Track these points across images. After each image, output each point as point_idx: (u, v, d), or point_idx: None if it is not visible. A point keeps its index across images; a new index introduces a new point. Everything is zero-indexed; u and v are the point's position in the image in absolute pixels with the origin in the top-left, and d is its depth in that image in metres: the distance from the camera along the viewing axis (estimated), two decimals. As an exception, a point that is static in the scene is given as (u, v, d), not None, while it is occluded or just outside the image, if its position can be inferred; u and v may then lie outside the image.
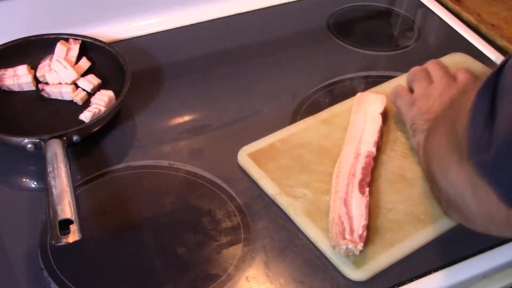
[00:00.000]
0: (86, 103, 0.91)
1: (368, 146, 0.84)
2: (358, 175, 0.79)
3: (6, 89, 0.92)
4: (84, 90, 0.93)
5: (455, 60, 1.04)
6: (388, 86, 0.98)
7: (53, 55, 0.96)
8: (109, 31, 1.06)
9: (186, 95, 0.98)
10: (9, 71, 0.93)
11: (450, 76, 0.85)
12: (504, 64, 0.46)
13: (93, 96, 0.91)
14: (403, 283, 0.71)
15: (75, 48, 0.97)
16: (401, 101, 0.86)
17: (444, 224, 0.76)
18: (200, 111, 0.96)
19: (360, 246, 0.71)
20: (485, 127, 0.42)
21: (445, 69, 0.88)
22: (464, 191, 0.52)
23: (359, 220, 0.74)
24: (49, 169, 0.76)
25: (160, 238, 0.76)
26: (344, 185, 0.78)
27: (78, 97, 0.90)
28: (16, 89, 0.92)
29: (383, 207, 0.78)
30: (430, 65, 0.89)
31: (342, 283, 0.71)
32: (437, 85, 0.83)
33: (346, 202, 0.76)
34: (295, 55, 1.09)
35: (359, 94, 0.94)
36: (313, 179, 0.81)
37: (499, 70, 0.45)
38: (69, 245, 0.67)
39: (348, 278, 0.71)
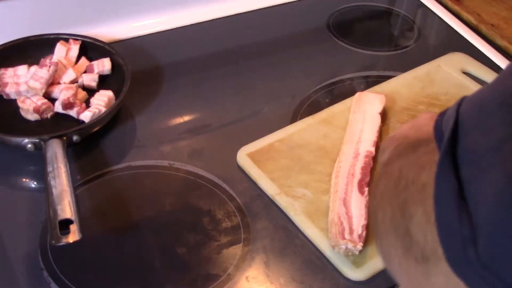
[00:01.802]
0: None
1: (367, 145, 0.84)
2: (358, 175, 0.80)
3: (6, 97, 0.92)
4: (84, 89, 0.93)
5: (455, 60, 1.04)
6: (388, 86, 0.98)
7: (53, 55, 0.96)
8: (109, 31, 1.06)
9: (186, 95, 0.98)
10: (9, 71, 0.93)
11: None
12: (455, 126, 0.35)
13: (92, 97, 0.91)
14: (403, 283, 0.71)
15: (75, 48, 0.97)
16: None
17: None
18: (200, 111, 0.96)
19: (359, 246, 0.71)
20: (458, 215, 0.32)
21: None
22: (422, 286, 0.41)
23: (359, 220, 0.74)
24: (49, 169, 0.76)
25: (160, 238, 0.76)
26: (343, 185, 0.78)
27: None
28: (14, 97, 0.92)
29: (383, 207, 0.78)
30: None
31: (342, 283, 0.71)
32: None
33: (345, 202, 0.76)
34: (295, 55, 1.09)
35: (358, 94, 0.94)
36: (313, 179, 0.81)
37: (454, 131, 0.35)
38: (69, 245, 0.67)
39: (347, 278, 0.71)
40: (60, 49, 0.96)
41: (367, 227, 0.74)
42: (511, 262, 0.29)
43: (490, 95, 0.34)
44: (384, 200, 0.45)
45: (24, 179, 0.85)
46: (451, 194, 0.33)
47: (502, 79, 0.35)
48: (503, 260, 0.29)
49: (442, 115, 0.39)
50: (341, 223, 0.73)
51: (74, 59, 0.97)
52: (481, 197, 0.31)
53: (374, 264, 0.72)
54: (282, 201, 0.79)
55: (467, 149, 0.33)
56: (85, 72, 0.96)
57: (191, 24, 1.13)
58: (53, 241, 0.67)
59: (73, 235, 0.67)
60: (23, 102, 0.89)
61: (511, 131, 0.31)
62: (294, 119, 0.93)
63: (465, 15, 1.19)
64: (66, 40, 0.98)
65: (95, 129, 0.87)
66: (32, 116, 0.88)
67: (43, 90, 0.90)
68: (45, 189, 0.73)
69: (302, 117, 0.92)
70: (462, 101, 0.37)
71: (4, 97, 0.92)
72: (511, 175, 0.30)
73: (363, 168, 0.80)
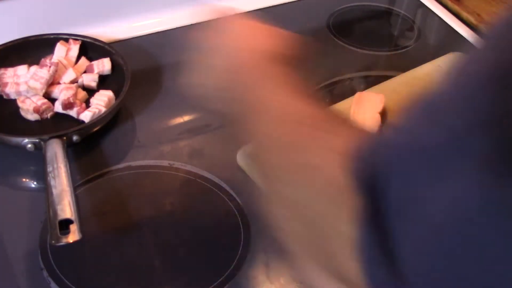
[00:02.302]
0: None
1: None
2: (358, 175, 0.79)
3: (6, 97, 0.92)
4: (84, 90, 0.93)
5: (455, 60, 1.04)
6: (388, 86, 0.98)
7: (53, 55, 0.96)
8: (109, 31, 1.06)
9: (186, 95, 0.98)
10: (9, 71, 0.93)
11: None
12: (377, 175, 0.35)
13: (92, 97, 0.91)
14: (403, 283, 0.71)
15: (74, 48, 0.97)
16: None
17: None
18: (200, 111, 0.95)
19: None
20: (381, 261, 0.33)
21: None
22: None
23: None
24: (49, 169, 0.76)
25: (160, 238, 0.76)
26: (343, 185, 0.78)
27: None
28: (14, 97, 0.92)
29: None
30: None
31: (342, 283, 0.71)
32: None
33: (345, 202, 0.76)
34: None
35: (358, 94, 0.94)
36: (313, 179, 0.81)
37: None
38: (69, 245, 0.67)
39: (347, 278, 0.71)
40: (60, 49, 0.96)
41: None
42: None
43: (405, 143, 0.33)
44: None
45: (24, 179, 0.85)
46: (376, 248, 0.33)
47: (413, 124, 0.33)
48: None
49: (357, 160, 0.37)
50: (341, 223, 0.73)
51: (74, 59, 0.97)
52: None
53: (374, 264, 0.72)
54: (282, 201, 0.78)
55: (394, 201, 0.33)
56: (85, 72, 0.96)
57: (191, 24, 1.13)
58: (53, 241, 0.67)
59: (73, 235, 0.67)
60: (23, 102, 0.89)
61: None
62: (294, 119, 0.93)
63: (465, 15, 1.19)
64: (66, 40, 0.98)
65: (95, 129, 0.87)
66: (32, 116, 0.88)
67: (43, 90, 0.90)
68: (45, 189, 0.73)
69: (302, 117, 0.92)
70: (376, 148, 0.36)
71: (4, 97, 0.92)
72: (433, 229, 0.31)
73: (363, 168, 0.80)
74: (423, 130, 0.33)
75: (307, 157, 0.43)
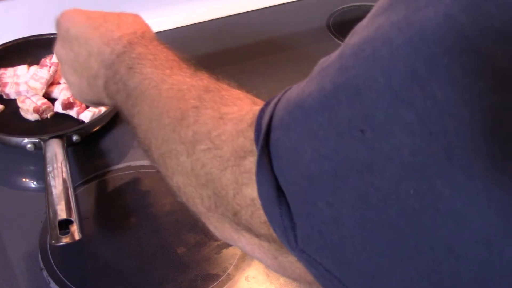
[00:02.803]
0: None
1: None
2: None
3: (5, 97, 0.92)
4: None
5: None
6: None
7: (53, 55, 0.96)
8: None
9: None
10: (9, 71, 0.93)
11: None
12: (268, 133, 0.35)
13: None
14: (403, 283, 0.71)
15: (75, 48, 0.97)
16: None
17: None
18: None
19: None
20: (279, 208, 0.34)
21: None
22: (256, 255, 0.43)
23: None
24: (49, 169, 0.76)
25: (160, 238, 0.76)
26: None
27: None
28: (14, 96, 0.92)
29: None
30: None
31: (342, 283, 0.71)
32: None
33: (345, 202, 0.76)
34: (295, 55, 1.09)
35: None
36: (313, 179, 0.81)
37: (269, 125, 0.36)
38: (69, 245, 0.67)
39: (347, 278, 0.71)
40: (60, 49, 0.96)
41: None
42: (319, 249, 0.32)
43: (308, 96, 0.34)
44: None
45: (24, 179, 0.85)
46: (270, 189, 0.34)
47: (319, 78, 0.34)
48: (313, 246, 0.33)
49: (266, 105, 0.38)
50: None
51: (74, 59, 0.96)
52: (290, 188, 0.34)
53: (374, 264, 0.72)
54: (282, 201, 0.78)
55: (280, 145, 0.34)
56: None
57: (191, 24, 1.13)
58: (53, 241, 0.67)
59: (73, 235, 0.67)
60: (23, 102, 0.89)
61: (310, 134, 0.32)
62: (294, 119, 0.93)
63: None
64: (66, 40, 0.98)
65: (95, 129, 0.87)
66: (32, 116, 0.88)
67: (43, 90, 0.90)
68: (45, 189, 0.73)
69: (302, 117, 0.92)
70: (282, 96, 0.38)
71: (4, 97, 0.92)
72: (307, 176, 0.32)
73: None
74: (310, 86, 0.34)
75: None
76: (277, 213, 0.34)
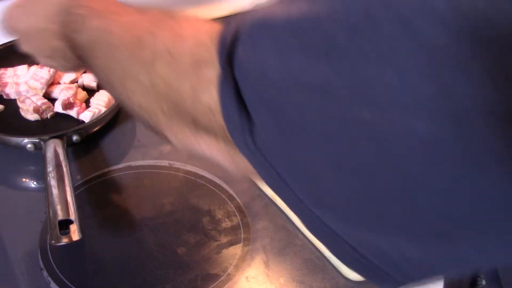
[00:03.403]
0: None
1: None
2: (358, 175, 0.79)
3: (5, 97, 0.92)
4: (84, 89, 0.93)
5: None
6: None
7: (53, 55, 0.96)
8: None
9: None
10: (9, 71, 0.93)
11: None
12: (233, 45, 0.37)
13: (92, 96, 0.91)
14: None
15: (75, 48, 0.97)
16: None
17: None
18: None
19: (359, 246, 0.71)
20: (238, 111, 0.36)
21: None
22: (215, 157, 0.46)
23: (359, 220, 0.74)
24: (49, 169, 0.76)
25: (160, 238, 0.76)
26: (343, 185, 0.78)
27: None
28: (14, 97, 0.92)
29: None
30: None
31: (342, 282, 0.71)
32: None
33: (345, 202, 0.76)
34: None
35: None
36: (313, 179, 0.81)
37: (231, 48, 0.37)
38: (69, 245, 0.67)
39: (347, 278, 0.71)
40: (60, 49, 0.96)
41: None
42: (275, 154, 0.35)
43: (277, 18, 0.35)
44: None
45: (24, 179, 0.85)
46: (232, 98, 0.36)
47: (287, 4, 0.35)
48: (270, 150, 0.35)
49: (228, 23, 0.40)
50: (341, 223, 0.73)
51: (74, 59, 0.96)
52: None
53: (374, 264, 0.72)
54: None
55: (244, 59, 0.36)
56: (85, 72, 0.96)
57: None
58: (53, 241, 0.67)
59: (73, 235, 0.67)
60: (23, 102, 0.89)
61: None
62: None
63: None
64: (66, 40, 0.98)
65: (95, 129, 0.87)
66: (32, 116, 0.88)
67: (43, 90, 0.90)
68: (45, 189, 0.73)
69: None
70: (245, 16, 0.39)
71: (4, 97, 0.92)
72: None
73: (363, 168, 0.80)
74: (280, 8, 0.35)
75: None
76: (236, 118, 0.36)
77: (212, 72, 0.38)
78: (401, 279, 0.34)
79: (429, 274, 0.34)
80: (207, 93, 0.40)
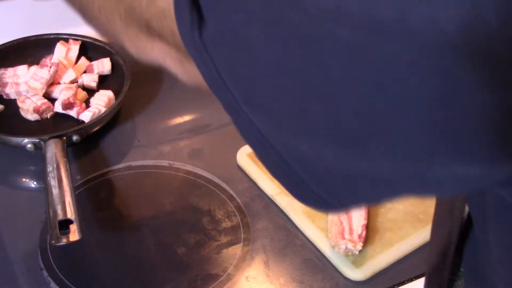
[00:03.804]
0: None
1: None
2: (358, 175, 0.79)
3: (5, 97, 0.92)
4: (84, 89, 0.93)
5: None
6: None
7: (53, 55, 0.96)
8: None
9: (185, 95, 0.98)
10: (9, 71, 0.93)
11: None
12: None
13: (92, 97, 0.91)
14: (403, 283, 0.71)
15: (74, 48, 0.97)
16: None
17: (443, 224, 0.76)
18: (200, 111, 0.96)
19: (359, 245, 0.71)
20: (190, 9, 0.38)
21: None
22: (167, 63, 0.50)
23: (358, 219, 0.74)
24: (49, 169, 0.76)
25: (160, 238, 0.76)
26: (343, 185, 0.78)
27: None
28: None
29: (382, 206, 0.78)
30: None
31: (342, 282, 0.71)
32: None
33: (345, 202, 0.76)
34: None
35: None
36: (313, 179, 0.81)
37: None
38: (69, 245, 0.67)
39: (347, 278, 0.71)
40: (60, 49, 0.96)
41: (367, 226, 0.74)
42: (216, 47, 0.36)
43: None
44: None
45: (24, 179, 0.85)
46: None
47: None
48: (213, 43, 0.36)
49: None
50: (341, 223, 0.73)
51: (74, 59, 0.97)
52: None
53: (374, 264, 0.72)
54: (282, 201, 0.79)
55: None
56: (85, 72, 0.96)
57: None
58: (53, 241, 0.67)
59: (73, 235, 0.67)
60: (23, 102, 0.89)
61: None
62: (294, 119, 0.93)
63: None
64: (66, 40, 0.98)
65: (95, 129, 0.87)
66: (32, 116, 0.88)
67: (43, 90, 0.90)
68: (45, 189, 0.73)
69: (302, 117, 0.92)
70: None
71: (4, 97, 0.92)
72: None
73: (363, 168, 0.80)
74: None
75: None
76: (187, 14, 0.37)
77: None
78: (321, 193, 0.36)
79: (346, 191, 0.36)
80: None
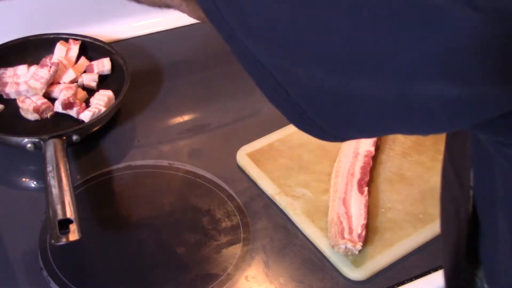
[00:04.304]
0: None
1: (367, 145, 0.84)
2: (357, 175, 0.80)
3: (5, 97, 0.92)
4: (84, 89, 0.93)
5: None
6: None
7: (53, 55, 0.96)
8: (109, 31, 1.06)
9: (185, 95, 0.98)
10: (9, 71, 0.93)
11: None
12: None
13: (92, 96, 0.91)
14: (402, 283, 0.71)
15: (74, 48, 0.97)
16: None
17: (443, 224, 0.76)
18: (200, 111, 0.96)
19: (359, 245, 0.71)
20: None
21: None
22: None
23: (358, 219, 0.74)
24: (49, 169, 0.76)
25: (160, 238, 0.76)
26: (343, 185, 0.78)
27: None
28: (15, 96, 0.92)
29: (382, 206, 0.78)
30: None
31: (341, 282, 0.71)
32: None
33: (345, 202, 0.76)
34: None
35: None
36: (312, 178, 0.81)
37: None
38: (69, 244, 0.67)
39: (347, 278, 0.71)
40: (60, 49, 0.96)
41: (367, 226, 0.74)
42: None
43: None
44: None
45: (24, 179, 0.85)
46: None
47: None
48: None
49: None
50: (341, 223, 0.73)
51: (74, 59, 0.97)
52: None
53: (373, 264, 0.72)
54: (282, 200, 0.79)
55: None
56: (85, 72, 0.96)
57: (191, 24, 1.13)
58: (52, 241, 0.67)
59: (73, 235, 0.67)
60: (23, 102, 0.89)
61: None
62: (293, 119, 0.93)
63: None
64: (66, 40, 0.98)
65: (95, 129, 0.87)
66: (32, 116, 0.88)
67: (43, 90, 0.90)
68: (45, 189, 0.73)
69: (302, 117, 0.92)
70: None
71: (4, 97, 0.92)
72: None
73: (362, 168, 0.81)
74: None
75: None
76: None
77: None
78: (318, 121, 0.38)
79: (340, 117, 0.37)
80: None
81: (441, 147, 0.56)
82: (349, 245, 0.70)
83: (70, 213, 0.70)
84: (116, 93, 0.91)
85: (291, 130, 0.89)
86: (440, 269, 0.73)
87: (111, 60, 0.96)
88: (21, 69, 0.94)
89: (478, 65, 0.31)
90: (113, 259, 0.73)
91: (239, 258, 0.73)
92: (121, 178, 0.83)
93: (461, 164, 0.49)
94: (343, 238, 0.71)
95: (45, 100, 0.89)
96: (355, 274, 0.71)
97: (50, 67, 0.91)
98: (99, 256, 0.74)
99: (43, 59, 0.93)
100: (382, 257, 0.73)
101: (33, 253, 0.73)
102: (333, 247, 0.72)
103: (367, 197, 0.77)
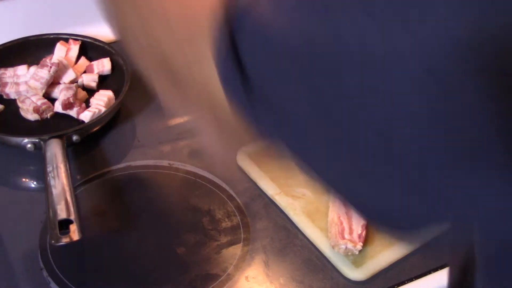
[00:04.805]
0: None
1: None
2: (358, 175, 0.79)
3: (5, 97, 0.92)
4: (84, 89, 0.93)
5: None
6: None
7: (53, 55, 0.96)
8: (109, 31, 1.06)
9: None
10: (9, 71, 0.93)
11: None
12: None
13: (92, 97, 0.91)
14: (403, 283, 0.71)
15: (74, 48, 0.97)
16: None
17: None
18: (200, 111, 0.95)
19: (359, 245, 0.71)
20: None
21: None
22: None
23: (358, 219, 0.74)
24: (49, 169, 0.76)
25: (160, 238, 0.76)
26: (343, 185, 0.78)
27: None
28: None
29: (383, 207, 0.78)
30: None
31: (342, 282, 0.71)
32: None
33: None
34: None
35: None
36: (313, 179, 0.81)
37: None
38: (69, 245, 0.67)
39: (347, 278, 0.71)
40: (60, 49, 0.96)
41: (367, 226, 0.74)
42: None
43: None
44: None
45: (24, 179, 0.85)
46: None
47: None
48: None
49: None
50: (341, 223, 0.73)
51: (74, 59, 0.97)
52: None
53: (374, 264, 0.72)
54: (282, 201, 0.79)
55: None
56: (85, 72, 0.96)
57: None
58: (53, 241, 0.67)
59: (73, 235, 0.67)
60: (23, 102, 0.89)
61: None
62: (294, 119, 0.93)
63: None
64: (66, 40, 0.98)
65: (95, 129, 0.87)
66: (32, 116, 0.88)
67: (43, 90, 0.90)
68: (45, 189, 0.73)
69: (302, 117, 0.92)
70: None
71: (4, 97, 0.92)
72: None
73: (363, 168, 0.80)
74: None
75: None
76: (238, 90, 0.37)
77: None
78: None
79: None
80: None
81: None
82: (350, 245, 0.70)
83: (70, 213, 0.70)
84: (116, 93, 0.91)
85: (291, 130, 0.89)
86: (440, 269, 0.73)
87: (111, 60, 0.96)
88: (21, 69, 0.93)
89: None
90: (113, 259, 0.73)
91: (239, 258, 0.73)
92: (121, 178, 0.83)
93: None
94: (344, 238, 0.71)
95: (45, 100, 0.89)
96: (356, 274, 0.71)
97: (50, 67, 0.91)
98: (99, 256, 0.74)
99: (43, 59, 0.93)
100: (383, 257, 0.73)
101: (33, 253, 0.73)
102: (333, 247, 0.72)
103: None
